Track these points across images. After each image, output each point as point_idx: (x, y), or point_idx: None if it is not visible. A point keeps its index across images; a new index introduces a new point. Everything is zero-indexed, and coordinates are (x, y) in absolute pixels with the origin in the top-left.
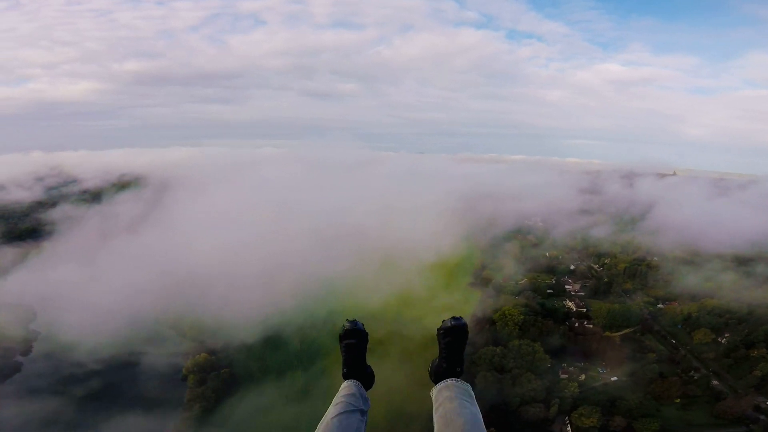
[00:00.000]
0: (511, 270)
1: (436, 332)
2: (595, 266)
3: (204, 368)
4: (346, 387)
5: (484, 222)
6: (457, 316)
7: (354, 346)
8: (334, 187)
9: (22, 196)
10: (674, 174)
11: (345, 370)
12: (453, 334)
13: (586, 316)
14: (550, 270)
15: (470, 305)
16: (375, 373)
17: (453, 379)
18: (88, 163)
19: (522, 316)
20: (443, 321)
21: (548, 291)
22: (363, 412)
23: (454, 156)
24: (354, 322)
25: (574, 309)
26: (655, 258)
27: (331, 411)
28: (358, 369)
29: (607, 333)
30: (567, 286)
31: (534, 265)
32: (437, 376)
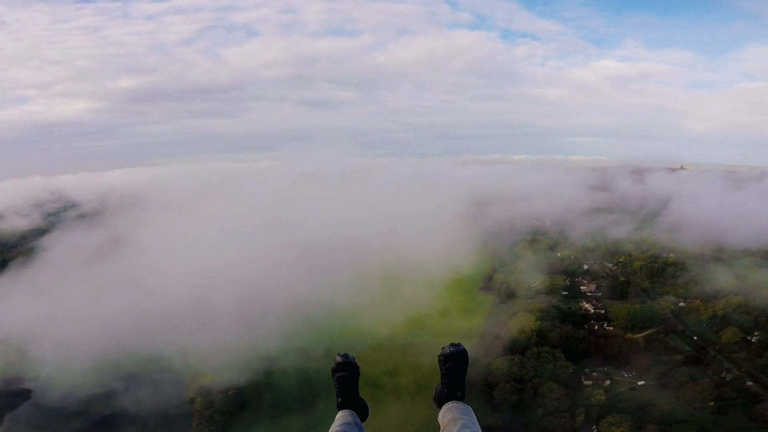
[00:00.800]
0: (523, 273)
1: (437, 359)
2: (609, 265)
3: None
4: (342, 416)
5: (494, 225)
6: (456, 342)
7: (346, 378)
8: (331, 199)
9: (20, 223)
10: (682, 168)
11: (339, 400)
12: (453, 360)
13: (605, 318)
14: (564, 271)
15: (482, 313)
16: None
17: (454, 401)
18: (87, 185)
19: (539, 322)
20: (443, 348)
21: (563, 293)
22: None
23: (457, 158)
24: (345, 356)
25: (592, 311)
26: (672, 255)
27: None
28: (352, 400)
29: (629, 335)
30: (582, 287)
31: (546, 267)
32: (440, 401)
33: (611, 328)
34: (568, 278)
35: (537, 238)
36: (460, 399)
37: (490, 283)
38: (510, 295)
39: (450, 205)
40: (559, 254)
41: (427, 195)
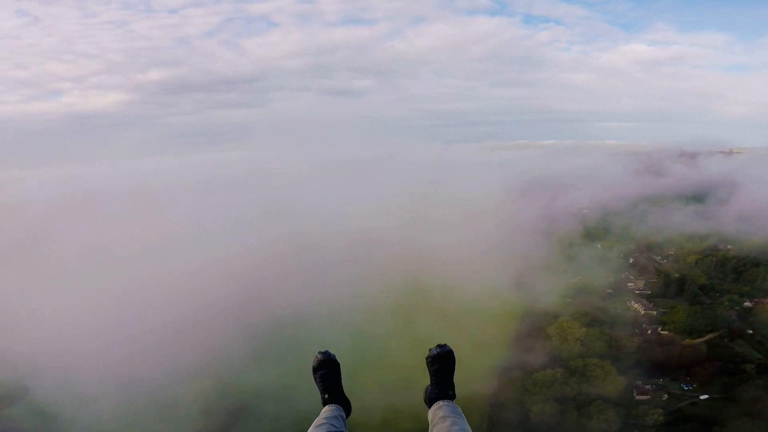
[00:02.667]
0: (561, 267)
1: (425, 361)
2: (658, 259)
3: None
4: (328, 410)
5: (532, 214)
6: (442, 344)
7: (329, 375)
8: (357, 188)
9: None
10: (730, 152)
11: (325, 396)
12: (440, 360)
13: (658, 321)
14: (607, 266)
15: (514, 315)
16: None
17: (444, 400)
18: (120, 173)
19: (583, 328)
20: (430, 350)
21: (608, 291)
22: None
23: (484, 144)
24: (326, 353)
25: (642, 312)
26: (729, 246)
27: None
28: (337, 395)
29: (688, 340)
30: (629, 284)
31: (587, 261)
32: (431, 401)
33: (666, 332)
34: (612, 274)
35: (578, 229)
36: (452, 398)
37: (524, 280)
38: (547, 294)
39: (485, 193)
40: (599, 246)
41: (458, 182)
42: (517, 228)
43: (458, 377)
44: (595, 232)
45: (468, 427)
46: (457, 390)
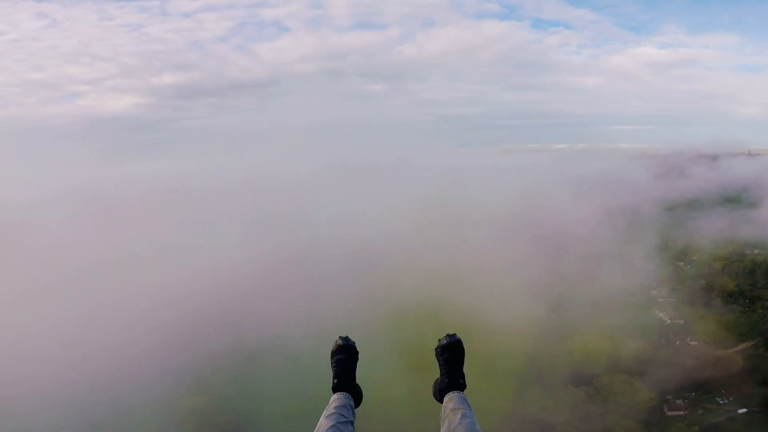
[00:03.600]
0: (583, 276)
1: (434, 352)
2: (681, 264)
3: None
4: (337, 399)
5: (550, 220)
6: (451, 333)
7: (345, 361)
8: (359, 194)
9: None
10: (749, 153)
11: (335, 381)
12: (450, 350)
13: (686, 330)
14: (624, 273)
15: (529, 327)
16: None
17: (455, 391)
18: (133, 176)
19: (607, 341)
20: (439, 340)
21: (631, 299)
22: (353, 424)
23: (496, 148)
24: (346, 338)
25: (668, 321)
26: (757, 251)
27: (325, 422)
28: (348, 383)
29: (720, 351)
30: (653, 292)
31: (610, 268)
32: (441, 392)
33: (695, 342)
34: (635, 281)
35: (601, 235)
36: (463, 387)
37: (544, 290)
38: (567, 305)
39: (503, 198)
40: (622, 252)
41: (476, 187)
42: (538, 235)
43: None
44: (617, 238)
45: (475, 421)
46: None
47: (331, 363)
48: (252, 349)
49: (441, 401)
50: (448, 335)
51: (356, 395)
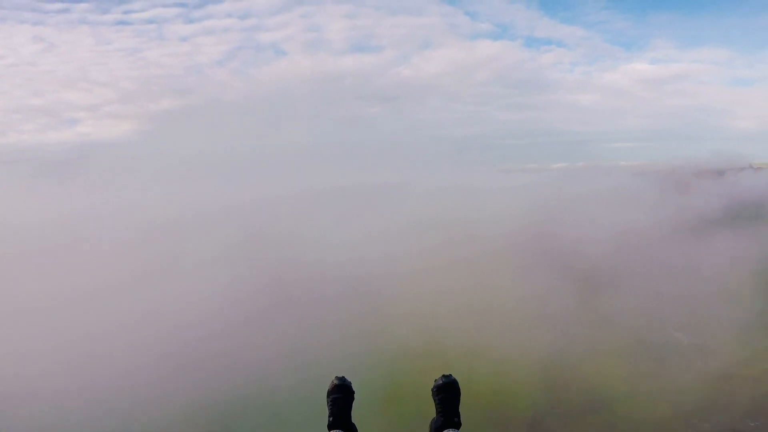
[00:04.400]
0: (578, 294)
1: (430, 392)
2: (688, 279)
3: None
4: None
5: (560, 239)
6: (447, 374)
7: (341, 399)
8: (353, 218)
9: None
10: (751, 167)
11: (331, 419)
12: (445, 390)
13: (707, 350)
14: (631, 290)
15: (542, 352)
16: None
17: (449, 429)
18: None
19: (626, 364)
20: (435, 380)
21: (646, 319)
22: None
23: (495, 168)
24: (342, 378)
25: (686, 342)
26: None
27: None
28: (343, 420)
29: (745, 370)
30: (665, 310)
31: (623, 286)
32: (437, 431)
33: (717, 363)
34: (650, 300)
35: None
36: (457, 426)
37: (556, 309)
38: (580, 325)
39: (507, 221)
40: (614, 268)
41: (477, 209)
42: (548, 257)
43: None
44: (630, 258)
45: None
46: None
47: (327, 402)
48: (229, 401)
49: None
50: (443, 375)
51: None
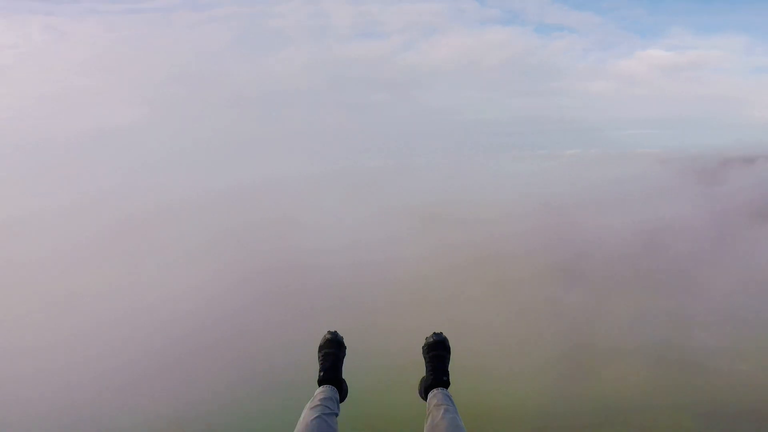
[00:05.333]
0: (596, 291)
1: (421, 350)
2: (712, 274)
3: None
4: (323, 391)
5: (585, 230)
6: (438, 331)
7: (332, 354)
8: (356, 204)
9: None
10: None
11: (321, 374)
12: (436, 347)
13: (735, 354)
14: (653, 286)
15: (552, 349)
16: None
17: (438, 388)
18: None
19: (647, 368)
20: (426, 338)
21: (667, 318)
22: (337, 417)
23: (506, 155)
24: (335, 333)
25: (713, 343)
26: None
27: (309, 413)
28: (334, 376)
29: None
30: (689, 309)
31: (627, 281)
32: (426, 390)
33: (745, 367)
34: (662, 296)
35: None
36: (446, 385)
37: (568, 304)
38: (596, 324)
39: (524, 210)
40: (633, 262)
41: (491, 197)
42: (563, 247)
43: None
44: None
45: (458, 416)
46: None
47: (318, 356)
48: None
49: (425, 399)
50: (434, 333)
51: (341, 389)
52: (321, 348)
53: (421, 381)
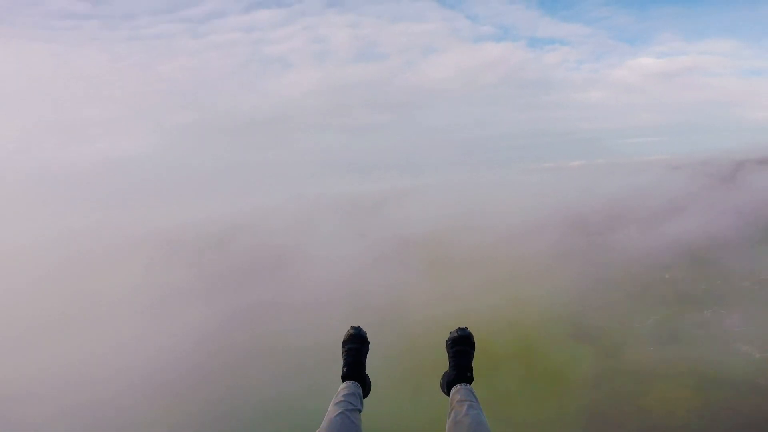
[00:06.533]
0: (627, 307)
1: (444, 344)
2: (747, 284)
3: None
4: (346, 387)
5: (606, 246)
6: (463, 326)
7: (356, 350)
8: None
9: None
10: None
11: (345, 370)
12: (461, 343)
13: None
14: (686, 298)
15: (577, 378)
16: None
17: (462, 384)
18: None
19: (694, 393)
20: (450, 333)
21: (697, 331)
22: (360, 413)
23: (510, 169)
24: (358, 328)
25: (757, 355)
26: None
27: (334, 409)
28: (357, 372)
29: None
30: (725, 321)
31: (659, 295)
32: (449, 385)
33: None
34: (696, 309)
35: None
36: (469, 380)
37: (583, 327)
38: (618, 345)
39: (536, 224)
40: (666, 275)
41: (501, 212)
42: (591, 259)
43: None
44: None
45: (482, 413)
46: None
47: (342, 351)
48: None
49: (448, 394)
50: (459, 328)
51: (365, 385)
52: (344, 343)
53: (443, 375)
